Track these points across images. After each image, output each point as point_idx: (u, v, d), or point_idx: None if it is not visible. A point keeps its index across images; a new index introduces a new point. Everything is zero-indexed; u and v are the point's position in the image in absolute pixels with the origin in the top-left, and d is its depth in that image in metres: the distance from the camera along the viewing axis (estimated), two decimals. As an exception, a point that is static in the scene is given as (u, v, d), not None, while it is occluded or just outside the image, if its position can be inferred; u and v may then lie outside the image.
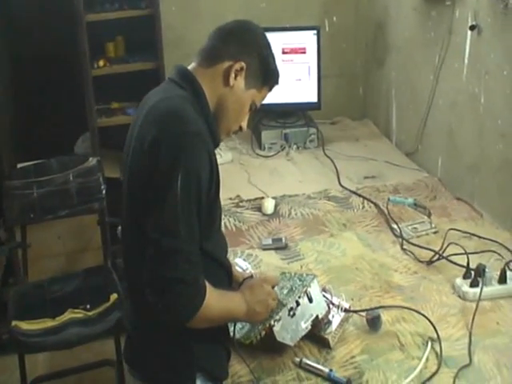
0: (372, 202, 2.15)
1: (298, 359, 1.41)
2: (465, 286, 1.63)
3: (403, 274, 1.75)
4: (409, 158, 2.52)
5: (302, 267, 1.79)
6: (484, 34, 1.97)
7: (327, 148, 2.60)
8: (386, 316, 1.54)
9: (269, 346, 1.40)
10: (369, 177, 2.36)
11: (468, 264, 1.67)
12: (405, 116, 2.65)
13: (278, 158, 2.56)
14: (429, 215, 2.00)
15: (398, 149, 2.63)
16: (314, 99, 2.66)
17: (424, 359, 1.40)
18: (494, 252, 1.79)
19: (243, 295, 1.29)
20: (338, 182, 2.32)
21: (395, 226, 1.97)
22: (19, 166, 2.55)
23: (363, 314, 1.53)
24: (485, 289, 1.59)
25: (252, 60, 1.27)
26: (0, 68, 2.88)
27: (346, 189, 2.26)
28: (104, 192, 2.33)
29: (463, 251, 1.70)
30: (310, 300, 1.40)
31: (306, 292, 1.40)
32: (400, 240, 1.90)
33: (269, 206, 2.12)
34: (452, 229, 1.90)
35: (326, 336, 1.45)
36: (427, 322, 1.50)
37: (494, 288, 1.62)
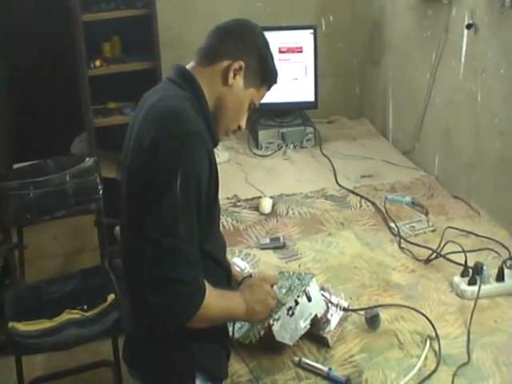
0: (369, 201, 2.15)
1: (297, 358, 1.41)
2: (463, 284, 1.63)
3: (401, 272, 1.75)
4: (406, 157, 2.52)
5: (300, 266, 1.79)
6: (481, 33, 1.98)
7: (324, 147, 2.60)
8: (384, 314, 1.54)
9: (268, 346, 1.40)
10: (366, 176, 2.36)
11: (466, 262, 1.67)
12: (401, 115, 2.65)
13: (275, 158, 2.55)
14: (426, 214, 2.01)
15: (395, 147, 2.64)
16: (311, 98, 2.65)
17: (423, 357, 1.40)
18: (492, 250, 1.79)
19: (242, 295, 1.29)
20: (335, 181, 2.32)
21: (393, 225, 1.97)
22: (15, 166, 2.54)
23: (362, 312, 1.53)
24: (483, 287, 1.60)
25: (251, 59, 1.27)
26: (-4, 68, 2.87)
27: (343, 188, 2.26)
28: (101, 192, 2.32)
29: (461, 249, 1.70)
30: (309, 299, 1.41)
31: (304, 291, 1.40)
32: (398, 239, 1.90)
33: (266, 205, 2.12)
34: (449, 227, 1.90)
35: (325, 335, 1.45)
36: (426, 320, 1.50)
37: (491, 286, 1.62)
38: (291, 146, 2.61)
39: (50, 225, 2.52)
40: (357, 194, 2.21)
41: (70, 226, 2.65)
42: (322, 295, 1.48)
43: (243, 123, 1.33)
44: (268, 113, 2.66)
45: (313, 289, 1.43)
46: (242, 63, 1.26)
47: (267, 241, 1.92)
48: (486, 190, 2.05)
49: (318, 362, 1.40)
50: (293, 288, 1.42)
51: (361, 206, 2.14)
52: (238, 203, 2.18)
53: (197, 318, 1.16)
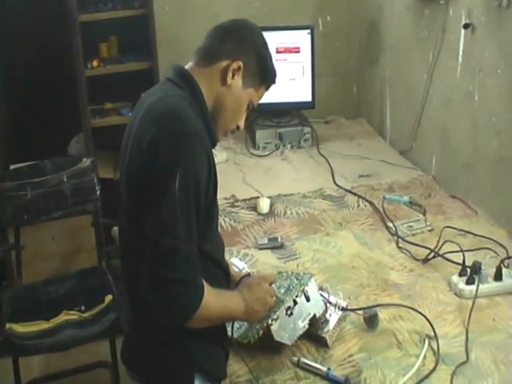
0: (367, 201, 2.15)
1: (295, 358, 1.40)
2: (461, 284, 1.63)
3: (399, 272, 1.75)
4: (403, 157, 2.52)
5: (298, 266, 1.79)
6: (478, 32, 1.98)
7: (322, 147, 2.60)
8: (383, 314, 1.54)
9: (267, 346, 1.40)
10: (363, 175, 2.37)
11: (464, 261, 1.67)
12: (399, 114, 2.65)
13: (272, 158, 2.55)
14: (424, 213, 2.01)
15: (393, 147, 2.64)
16: (308, 98, 2.66)
17: (422, 357, 1.40)
18: (490, 249, 1.79)
19: (241, 294, 1.29)
20: (332, 181, 2.32)
21: (391, 225, 1.97)
22: (12, 167, 2.53)
23: (360, 312, 1.53)
24: (481, 286, 1.60)
25: (249, 59, 1.27)
26: (-8, 69, 2.86)
27: (341, 187, 2.27)
28: (98, 193, 2.31)
29: (459, 249, 1.70)
30: (308, 299, 1.40)
31: (303, 291, 1.40)
32: (396, 238, 1.90)
33: (264, 205, 2.12)
34: (447, 226, 1.90)
35: (324, 335, 1.45)
36: (424, 319, 1.50)
37: (489, 285, 1.62)
38: (289, 146, 2.61)
39: (47, 225, 2.51)
40: (354, 194, 2.21)
41: (68, 226, 2.64)
42: (321, 295, 1.48)
43: (242, 123, 1.34)
44: (265, 113, 2.66)
45: (311, 289, 1.42)
46: (240, 63, 1.26)
47: (265, 241, 1.91)
48: (483, 189, 2.06)
49: (316, 361, 1.40)
50: (291, 288, 1.41)
51: (358, 205, 2.14)
52: (236, 203, 2.18)
53: (196, 318, 1.16)
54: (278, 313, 1.35)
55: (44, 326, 2.00)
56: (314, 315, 1.42)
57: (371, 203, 2.13)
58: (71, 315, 2.04)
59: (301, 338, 1.42)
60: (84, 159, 2.36)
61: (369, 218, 2.05)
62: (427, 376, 1.35)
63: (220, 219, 2.01)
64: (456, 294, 1.63)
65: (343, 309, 1.51)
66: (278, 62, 2.55)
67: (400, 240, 1.89)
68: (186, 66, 1.29)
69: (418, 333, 1.49)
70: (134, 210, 1.21)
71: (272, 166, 2.49)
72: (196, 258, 1.17)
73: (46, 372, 2.36)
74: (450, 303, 1.60)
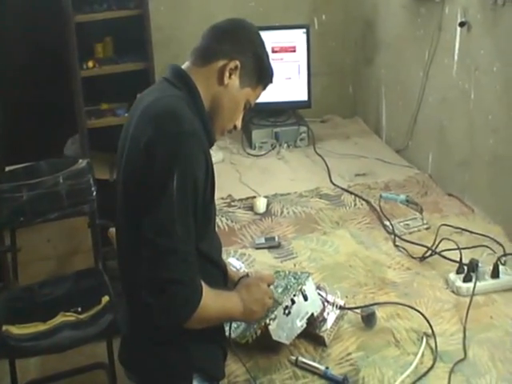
0: (364, 200, 2.15)
1: (293, 358, 1.40)
2: (458, 281, 1.63)
3: (396, 270, 1.75)
4: (399, 155, 2.52)
5: (295, 265, 1.79)
6: (473, 31, 1.98)
7: (318, 146, 2.60)
8: (380, 312, 1.54)
9: (265, 345, 1.40)
10: (360, 174, 2.37)
11: (461, 259, 1.67)
12: (395, 113, 2.65)
13: (268, 157, 2.55)
14: (420, 211, 2.01)
15: (389, 146, 2.64)
16: (304, 98, 2.65)
17: (419, 355, 1.40)
18: (487, 247, 1.79)
19: (239, 294, 1.29)
20: (329, 180, 2.32)
21: (387, 223, 1.97)
22: (8, 168, 2.52)
23: (358, 311, 1.53)
24: (478, 283, 1.60)
25: (246, 59, 1.27)
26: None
27: (337, 186, 2.26)
28: (94, 194, 2.31)
29: (455, 246, 1.71)
30: (305, 298, 1.40)
31: (301, 290, 1.40)
32: (392, 237, 1.90)
33: (261, 205, 2.12)
34: (444, 224, 1.91)
35: (322, 334, 1.45)
36: (422, 317, 1.50)
37: (487, 282, 1.62)
38: (285, 145, 2.61)
39: (43, 227, 2.50)
40: (351, 193, 2.20)
41: (64, 227, 2.63)
42: (318, 294, 1.48)
43: (239, 123, 1.33)
44: (261, 112, 2.65)
45: (309, 288, 1.42)
46: (237, 63, 1.25)
47: (262, 240, 1.91)
48: (479, 187, 2.06)
49: (314, 360, 1.40)
50: (289, 287, 1.41)
51: (355, 204, 2.14)
52: (233, 203, 2.17)
53: (194, 319, 1.16)
54: (275, 312, 1.34)
55: (41, 327, 1.99)
56: (312, 314, 1.42)
57: (368, 202, 2.13)
58: (68, 317, 2.04)
59: (299, 337, 1.41)
60: (80, 160, 2.36)
61: (365, 216, 2.05)
62: (425, 374, 1.36)
63: (217, 219, 1.99)
64: (453, 292, 1.64)
65: (341, 308, 1.51)
66: (274, 62, 2.47)
67: (397, 238, 1.89)
68: (183, 66, 1.29)
69: (416, 331, 1.49)
70: (131, 210, 1.20)
71: (268, 165, 2.48)
72: (194, 258, 1.16)
73: (42, 374, 2.35)
74: (448, 301, 1.61)
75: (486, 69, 1.94)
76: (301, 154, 2.56)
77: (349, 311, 1.53)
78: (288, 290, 1.40)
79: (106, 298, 2.10)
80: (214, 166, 1.25)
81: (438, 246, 1.79)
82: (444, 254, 1.76)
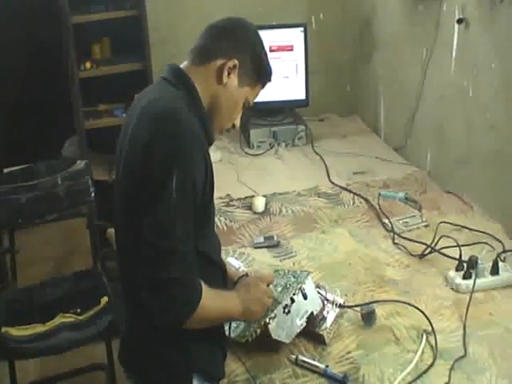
0: (362, 198, 2.15)
1: (293, 356, 1.40)
2: (458, 279, 1.63)
3: (396, 268, 1.75)
4: (398, 153, 2.52)
5: (294, 264, 1.78)
6: (472, 28, 1.98)
7: (316, 145, 2.59)
8: (380, 310, 1.54)
9: (264, 344, 1.39)
10: (358, 172, 2.36)
11: (460, 256, 1.67)
12: (393, 111, 2.65)
13: (267, 156, 2.55)
14: (419, 209, 2.01)
15: (387, 144, 2.64)
16: (302, 96, 2.65)
17: (419, 352, 1.40)
18: (486, 244, 1.79)
19: (239, 294, 1.29)
20: (327, 179, 2.32)
21: (386, 221, 1.97)
22: (6, 170, 2.52)
23: (358, 309, 1.53)
24: (477, 280, 1.60)
25: (245, 57, 1.26)
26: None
27: (335, 185, 2.26)
28: (93, 195, 2.30)
29: (455, 244, 1.70)
30: (305, 297, 1.40)
31: (300, 289, 1.40)
32: (391, 234, 1.90)
33: (259, 204, 2.11)
34: (443, 222, 1.90)
35: (321, 332, 1.44)
36: (421, 315, 1.50)
37: (486, 279, 1.62)
38: (283, 144, 2.60)
39: (41, 228, 2.51)
40: (349, 191, 2.20)
41: (62, 229, 2.64)
42: (318, 292, 1.48)
43: (237, 122, 1.33)
44: (259, 112, 2.65)
45: (308, 286, 1.42)
46: (236, 62, 1.25)
47: (261, 239, 1.91)
48: (478, 184, 2.06)
49: (314, 359, 1.40)
50: (288, 286, 1.41)
51: (354, 202, 2.14)
52: (231, 203, 2.17)
53: (194, 319, 1.15)
54: (275, 311, 1.34)
55: (40, 329, 1.99)
56: (312, 313, 1.42)
57: (366, 200, 2.13)
58: (67, 318, 2.03)
59: (298, 335, 1.41)
60: (78, 161, 2.35)
61: (364, 214, 2.05)
62: (425, 371, 1.35)
63: (215, 219, 2.00)
64: (453, 289, 1.63)
65: (340, 306, 1.51)
66: (272, 61, 2.51)
67: (396, 236, 1.89)
68: (181, 66, 1.28)
69: (416, 328, 1.48)
70: (130, 210, 1.20)
71: (267, 164, 2.48)
72: (193, 258, 1.16)
73: (42, 375, 2.34)
74: (447, 298, 1.60)
75: (484, 66, 1.94)
76: (299, 153, 2.56)
77: (348, 309, 1.53)
78: (287, 288, 1.40)
79: (104, 299, 2.09)
80: (213, 166, 1.25)
81: (437, 243, 1.78)
82: (443, 251, 1.76)
